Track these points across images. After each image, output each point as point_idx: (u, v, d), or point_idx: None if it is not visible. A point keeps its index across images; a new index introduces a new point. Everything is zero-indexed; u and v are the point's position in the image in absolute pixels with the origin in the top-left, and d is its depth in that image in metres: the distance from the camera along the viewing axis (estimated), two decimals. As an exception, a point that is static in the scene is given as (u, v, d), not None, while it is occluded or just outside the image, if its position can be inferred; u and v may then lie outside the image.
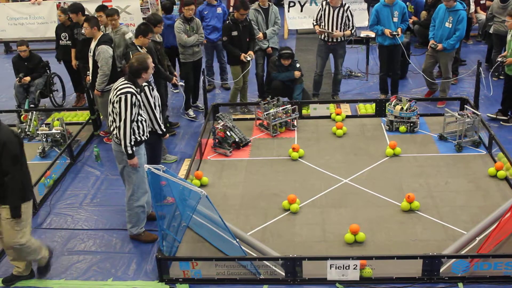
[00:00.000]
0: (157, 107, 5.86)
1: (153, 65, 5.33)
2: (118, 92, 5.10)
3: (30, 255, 4.98)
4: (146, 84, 5.78)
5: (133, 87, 5.14)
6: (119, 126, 5.12)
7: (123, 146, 5.17)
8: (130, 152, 5.20)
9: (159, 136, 6.04)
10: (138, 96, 5.17)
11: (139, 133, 5.29)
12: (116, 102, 5.08)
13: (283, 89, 8.49)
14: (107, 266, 5.40)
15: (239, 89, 8.69)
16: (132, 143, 5.18)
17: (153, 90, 5.88)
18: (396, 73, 8.98)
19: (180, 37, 8.27)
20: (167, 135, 6.22)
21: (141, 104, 5.29)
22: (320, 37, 8.73)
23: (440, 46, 8.23)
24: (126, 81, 5.19)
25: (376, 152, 7.18)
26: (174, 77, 7.66)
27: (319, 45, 8.82)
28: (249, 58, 8.37)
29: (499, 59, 7.61)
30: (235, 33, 8.31)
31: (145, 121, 5.41)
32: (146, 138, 5.44)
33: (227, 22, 8.42)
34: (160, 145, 6.31)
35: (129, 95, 5.05)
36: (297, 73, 8.31)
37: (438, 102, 8.60)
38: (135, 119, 5.18)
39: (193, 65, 8.51)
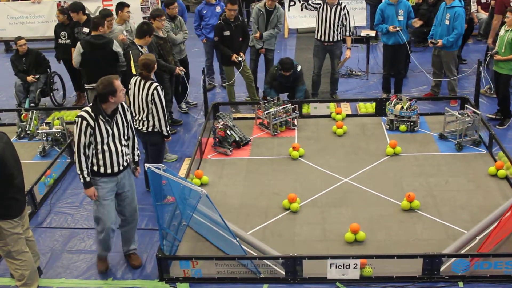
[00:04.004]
0: None
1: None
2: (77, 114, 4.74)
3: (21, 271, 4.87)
4: (157, 84, 5.84)
5: (89, 111, 4.65)
6: (74, 151, 4.69)
7: (77, 172, 4.78)
8: (82, 181, 4.78)
9: (163, 136, 6.08)
10: (92, 122, 4.63)
11: (98, 164, 4.78)
12: (74, 123, 4.73)
13: (283, 90, 8.49)
14: (107, 265, 5.40)
15: (232, 84, 8.71)
16: (86, 171, 4.73)
17: (162, 90, 5.92)
18: (400, 72, 8.97)
19: (169, 35, 8.30)
20: (170, 137, 6.21)
21: (104, 133, 4.71)
22: (316, 37, 8.72)
23: (440, 42, 8.23)
24: (90, 104, 4.75)
25: (376, 151, 7.18)
26: (177, 68, 7.71)
27: (315, 46, 8.81)
28: (240, 59, 8.33)
29: (491, 53, 7.61)
30: (227, 33, 8.28)
31: (116, 154, 4.83)
32: (112, 172, 4.84)
33: (219, 22, 8.40)
34: (164, 144, 6.37)
35: (79, 120, 4.62)
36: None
37: (451, 101, 8.61)
38: (95, 147, 4.72)
39: (180, 63, 8.51)
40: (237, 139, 7.42)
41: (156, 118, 5.92)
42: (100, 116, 4.66)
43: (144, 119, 5.99)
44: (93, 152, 4.74)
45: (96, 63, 7.39)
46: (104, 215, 4.94)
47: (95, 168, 4.79)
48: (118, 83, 4.65)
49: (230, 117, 7.83)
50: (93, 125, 4.63)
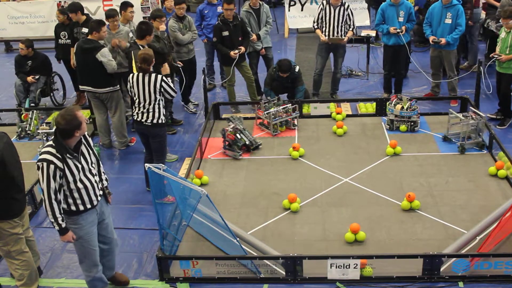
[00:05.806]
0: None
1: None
2: (38, 157, 4.25)
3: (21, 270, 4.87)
4: (159, 74, 5.95)
5: (52, 151, 4.16)
6: (43, 198, 4.27)
7: (50, 220, 4.33)
8: (57, 228, 4.32)
9: (165, 128, 6.22)
10: (60, 164, 4.15)
11: (75, 203, 4.34)
12: (37, 169, 4.23)
13: (283, 91, 8.48)
14: (107, 265, 5.39)
15: (232, 85, 8.72)
16: (61, 217, 4.28)
17: (173, 83, 6.02)
18: (400, 72, 8.97)
19: (175, 35, 8.30)
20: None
21: (74, 170, 4.24)
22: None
23: (443, 40, 8.22)
24: (50, 142, 4.24)
25: (376, 151, 7.18)
26: (176, 64, 7.76)
27: (320, 44, 8.81)
28: (236, 51, 8.28)
29: (495, 56, 7.61)
30: (225, 33, 8.28)
31: (92, 187, 4.40)
32: (92, 206, 4.44)
33: (217, 23, 8.41)
34: (166, 137, 6.43)
35: (45, 164, 4.13)
36: None
37: (451, 101, 8.60)
38: (68, 187, 4.27)
39: (188, 63, 8.52)
40: (247, 143, 7.29)
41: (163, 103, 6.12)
42: (67, 154, 4.18)
43: (150, 110, 6.04)
44: (66, 193, 4.30)
45: (84, 66, 7.33)
46: (90, 249, 4.58)
47: (73, 207, 4.35)
48: (80, 114, 4.18)
49: (241, 120, 7.71)
50: (62, 167, 4.16)
